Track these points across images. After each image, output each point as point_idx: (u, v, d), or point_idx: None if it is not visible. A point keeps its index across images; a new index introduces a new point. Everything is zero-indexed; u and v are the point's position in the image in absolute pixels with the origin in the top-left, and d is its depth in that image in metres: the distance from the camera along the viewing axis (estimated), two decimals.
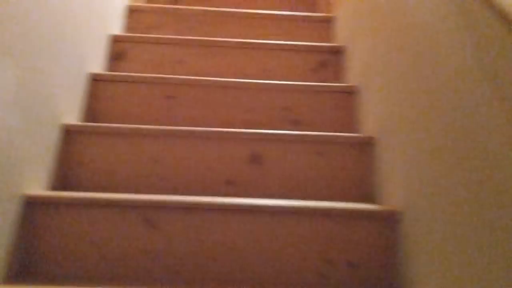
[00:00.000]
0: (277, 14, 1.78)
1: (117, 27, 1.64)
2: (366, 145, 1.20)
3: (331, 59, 1.60)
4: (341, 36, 1.66)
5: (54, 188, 1.11)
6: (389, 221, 0.98)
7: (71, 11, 1.18)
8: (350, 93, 1.40)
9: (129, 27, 1.75)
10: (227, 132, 1.19)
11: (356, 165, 1.19)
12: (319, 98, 1.39)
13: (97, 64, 1.44)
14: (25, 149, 0.94)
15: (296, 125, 1.39)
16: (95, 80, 1.37)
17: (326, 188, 1.19)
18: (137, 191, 1.16)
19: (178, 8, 1.77)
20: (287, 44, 1.60)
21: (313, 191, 1.19)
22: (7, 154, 0.87)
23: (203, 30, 1.76)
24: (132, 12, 1.76)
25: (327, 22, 1.79)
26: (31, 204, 0.95)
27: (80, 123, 1.22)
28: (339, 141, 1.20)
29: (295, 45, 1.60)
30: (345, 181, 1.19)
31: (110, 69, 1.55)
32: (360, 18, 1.41)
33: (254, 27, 1.78)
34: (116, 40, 1.57)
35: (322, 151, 1.20)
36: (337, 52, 1.60)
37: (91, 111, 1.36)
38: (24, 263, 0.94)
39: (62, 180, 1.15)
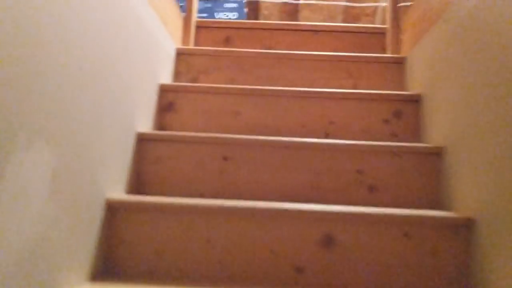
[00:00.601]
0: (339, 55, 1.60)
1: (166, 74, 1.50)
2: (463, 227, 0.98)
3: (406, 108, 1.39)
4: (415, 81, 1.45)
5: (94, 277, 0.95)
6: None
7: (118, 68, 1.04)
8: (436, 154, 1.18)
9: (178, 72, 1.61)
10: (294, 210, 0.99)
11: (452, 251, 0.97)
12: (397, 160, 1.19)
13: (145, 119, 1.29)
14: (61, 241, 0.79)
15: (372, 191, 1.18)
16: (143, 140, 1.22)
17: (415, 278, 0.97)
18: (186, 277, 0.98)
19: (229, 51, 1.62)
20: (354, 93, 1.40)
21: (399, 283, 0.97)
22: (40, 252, 0.71)
23: (257, 74, 1.60)
24: (181, 55, 1.62)
25: (397, 63, 1.59)
26: None
27: (124, 198, 1.06)
28: (429, 222, 0.98)
29: (364, 94, 1.40)
30: (437, 270, 0.97)
31: (158, 123, 1.41)
32: (444, 62, 1.20)
33: (313, 69, 1.60)
34: (164, 89, 1.43)
35: (410, 232, 0.99)
36: (412, 101, 1.39)
37: (139, 177, 1.21)
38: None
39: (103, 262, 0.99)
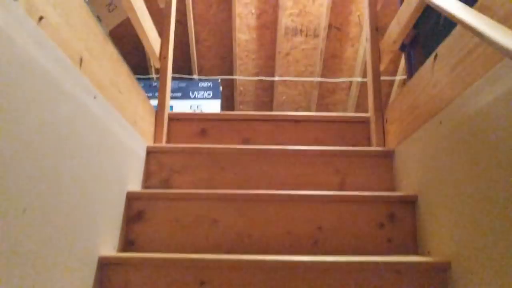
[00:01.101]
0: (324, 150, 1.50)
1: (135, 176, 1.36)
2: None
3: (401, 211, 1.28)
4: (406, 178, 1.34)
5: None
6: None
7: (77, 181, 0.90)
8: (442, 271, 1.05)
9: (149, 172, 1.47)
10: None
11: None
12: (403, 277, 1.04)
13: (110, 235, 1.13)
14: None
15: None
16: (106, 265, 1.05)
17: None
18: None
19: (204, 148, 1.50)
20: (344, 196, 1.28)
21: None
22: None
23: (236, 172, 1.47)
24: (152, 154, 1.49)
25: (385, 157, 1.49)
26: None
27: None
28: None
29: (355, 196, 1.28)
30: None
31: (126, 237, 1.24)
32: (441, 164, 1.10)
33: (296, 165, 1.48)
34: (132, 197, 1.28)
35: None
36: (407, 202, 1.28)
37: None
38: None
39: None
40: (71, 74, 0.89)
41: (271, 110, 3.94)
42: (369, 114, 1.70)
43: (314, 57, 3.67)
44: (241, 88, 3.84)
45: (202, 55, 3.68)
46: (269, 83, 3.81)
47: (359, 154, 1.49)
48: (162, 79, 1.70)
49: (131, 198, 1.27)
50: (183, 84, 3.32)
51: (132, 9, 1.37)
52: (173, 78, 3.62)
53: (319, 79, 3.71)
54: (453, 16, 0.90)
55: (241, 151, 1.49)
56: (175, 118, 1.72)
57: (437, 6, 1.00)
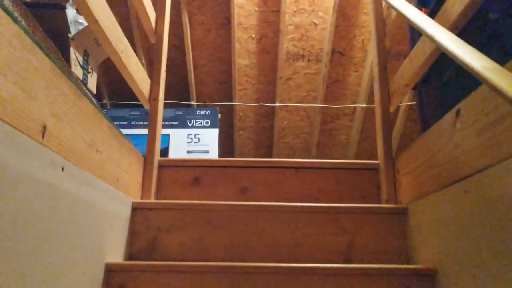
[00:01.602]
0: (329, 207, 1.34)
1: (118, 239, 1.20)
2: None
3: (417, 286, 1.12)
4: (424, 245, 1.19)
5: None
6: None
7: (43, 258, 0.74)
8: None
9: (135, 232, 1.32)
10: None
11: None
12: None
13: None
14: None
15: None
16: None
17: None
18: None
19: (196, 204, 1.34)
20: (353, 268, 1.13)
21: None
22: None
23: (231, 231, 1.32)
24: (138, 210, 1.34)
25: (397, 214, 1.34)
26: None
27: None
28: None
29: (366, 269, 1.12)
30: None
31: None
32: (467, 237, 0.95)
33: (299, 223, 1.33)
34: (112, 270, 1.12)
35: None
36: (424, 276, 1.12)
37: None
38: None
39: None
40: (27, 151, 0.75)
41: (272, 136, 3.79)
42: (379, 161, 1.55)
43: (316, 82, 3.53)
44: (241, 114, 3.70)
45: (201, 80, 3.55)
46: (270, 109, 3.68)
47: (369, 211, 1.34)
48: (151, 123, 1.56)
49: (110, 270, 1.12)
50: (180, 112, 3.18)
51: (114, 52, 1.23)
52: (170, 105, 3.49)
53: (322, 105, 3.57)
54: (479, 75, 0.76)
55: (236, 208, 1.34)
56: (166, 165, 1.57)
57: (462, 63, 0.85)
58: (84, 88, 1.23)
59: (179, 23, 3.19)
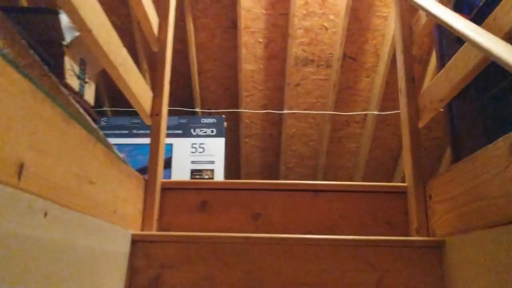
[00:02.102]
0: (355, 239, 1.18)
1: (114, 279, 1.05)
2: None
3: None
4: (465, 286, 1.02)
5: None
6: None
7: None
8: None
9: (135, 268, 1.16)
10: None
11: None
12: None
13: None
14: None
15: None
16: None
17: None
18: None
19: (204, 236, 1.19)
20: None
21: None
22: None
23: (244, 269, 1.16)
24: (139, 244, 1.18)
25: (432, 248, 1.18)
26: None
27: None
28: None
29: None
30: None
31: None
32: None
33: (321, 258, 1.17)
34: None
35: None
36: None
37: None
38: None
39: None
40: None
41: (279, 144, 3.63)
42: (407, 184, 1.38)
43: (326, 89, 3.37)
44: (247, 121, 3.54)
45: (205, 86, 3.39)
46: (278, 116, 3.52)
47: (401, 244, 1.18)
48: (153, 141, 1.40)
49: None
50: (184, 120, 3.02)
51: (111, 66, 1.07)
52: (174, 113, 3.34)
53: (332, 112, 3.41)
54: None
55: (249, 240, 1.18)
56: (170, 188, 1.41)
57: None
58: (78, 106, 1.08)
59: (182, 27, 3.04)
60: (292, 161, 3.77)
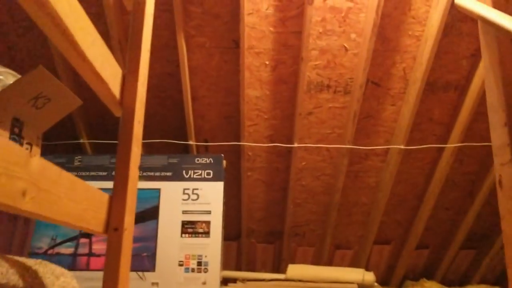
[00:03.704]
0: None
1: None
2: None
3: None
4: None
5: None
6: None
7: None
8: None
9: None
10: None
11: None
12: None
13: None
14: None
15: None
16: None
17: None
18: None
19: None
20: None
21: None
22: None
23: None
24: None
25: None
26: None
27: None
28: None
29: None
30: None
31: None
32: None
33: None
34: None
35: None
36: None
37: None
38: None
39: None
40: None
41: (287, 177, 3.12)
42: None
43: (343, 118, 2.86)
44: (250, 153, 3.03)
45: (201, 114, 2.88)
46: (286, 148, 3.01)
47: None
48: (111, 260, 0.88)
49: None
50: (174, 160, 2.51)
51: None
52: (162, 150, 2.83)
53: (350, 146, 2.90)
54: None
55: None
56: None
57: None
58: None
59: (173, 47, 2.53)
60: (302, 197, 3.26)
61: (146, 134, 2.89)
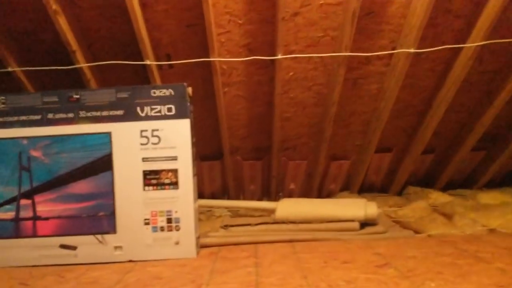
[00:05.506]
0: None
1: None
2: None
3: None
4: None
5: None
6: None
7: None
8: None
9: None
10: None
11: None
12: None
13: None
14: None
15: None
16: None
17: None
18: None
19: None
20: None
21: None
22: None
23: None
24: None
25: None
26: None
27: None
28: None
29: None
30: None
31: None
32: None
33: None
34: None
35: None
36: None
37: None
38: None
39: None
40: None
41: (272, 91, 2.61)
42: None
43: (338, 17, 2.24)
44: (225, 67, 2.47)
45: (157, 25, 2.25)
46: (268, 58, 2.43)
47: None
48: None
49: None
50: (124, 94, 1.97)
51: None
52: (110, 82, 2.26)
53: (346, 53, 2.32)
54: None
55: None
56: None
57: None
58: None
59: None
60: (290, 111, 2.78)
61: (92, 56, 2.28)
